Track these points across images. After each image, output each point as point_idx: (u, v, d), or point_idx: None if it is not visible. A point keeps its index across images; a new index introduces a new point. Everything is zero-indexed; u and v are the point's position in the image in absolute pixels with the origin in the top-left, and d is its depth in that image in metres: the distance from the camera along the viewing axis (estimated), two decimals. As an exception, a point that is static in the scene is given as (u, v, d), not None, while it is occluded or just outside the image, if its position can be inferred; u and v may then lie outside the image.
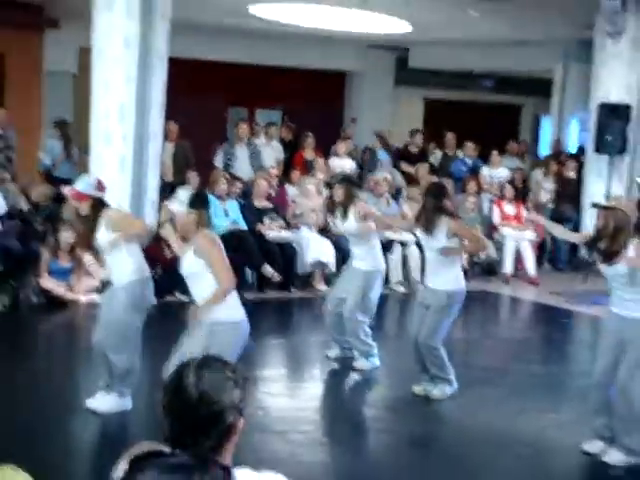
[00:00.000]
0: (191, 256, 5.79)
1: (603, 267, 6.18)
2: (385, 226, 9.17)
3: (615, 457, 6.12)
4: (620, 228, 6.01)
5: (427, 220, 7.24)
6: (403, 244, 11.89)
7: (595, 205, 6.58)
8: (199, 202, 6.04)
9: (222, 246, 5.94)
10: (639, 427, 5.99)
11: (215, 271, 5.72)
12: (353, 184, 8.58)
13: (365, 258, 8.19)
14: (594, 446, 6.24)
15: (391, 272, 11.49)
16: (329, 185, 12.55)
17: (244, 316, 5.87)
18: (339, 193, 8.26)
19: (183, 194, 6.16)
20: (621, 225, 6.02)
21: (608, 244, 6.06)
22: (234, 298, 5.90)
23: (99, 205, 6.53)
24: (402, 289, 11.79)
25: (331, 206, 8.47)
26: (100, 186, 6.63)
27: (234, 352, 5.68)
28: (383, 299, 8.82)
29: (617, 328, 6.16)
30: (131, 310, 6.50)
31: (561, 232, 7.53)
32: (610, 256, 6.04)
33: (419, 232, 7.42)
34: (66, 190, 6.85)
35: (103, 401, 6.58)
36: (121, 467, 1.89)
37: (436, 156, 16.06)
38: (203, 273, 5.75)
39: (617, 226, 6.02)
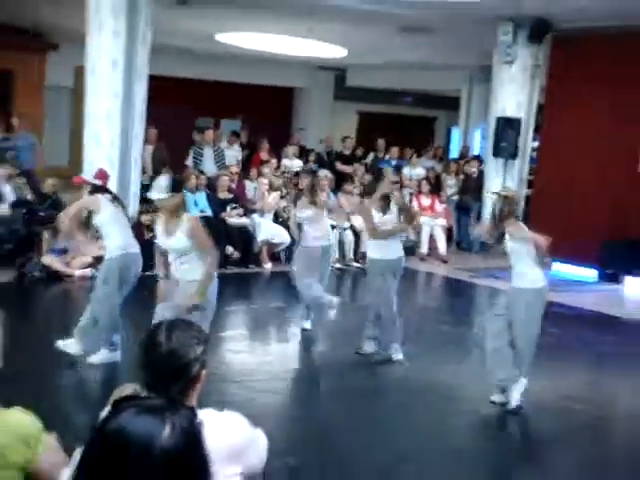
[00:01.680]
0: (182, 236, 5.61)
1: (509, 243, 6.12)
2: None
3: (498, 398, 6.16)
4: (512, 211, 6.05)
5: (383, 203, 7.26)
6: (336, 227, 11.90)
7: (494, 193, 6.56)
8: (179, 187, 5.92)
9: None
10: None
11: (205, 251, 5.60)
12: (316, 176, 8.47)
13: (320, 237, 8.05)
14: (499, 397, 6.19)
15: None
16: (285, 179, 12.60)
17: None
18: (305, 182, 8.10)
19: (163, 180, 5.99)
20: (512, 209, 6.06)
21: (503, 224, 6.06)
22: None
23: (96, 191, 6.48)
24: (338, 265, 11.80)
25: (297, 194, 8.23)
26: (100, 175, 6.58)
27: (212, 300, 5.66)
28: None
29: (508, 297, 6.21)
30: (117, 278, 6.44)
31: None
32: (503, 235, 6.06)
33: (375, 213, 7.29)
34: (74, 178, 6.85)
35: (102, 355, 6.56)
36: (106, 408, 1.91)
37: (370, 158, 16.15)
38: (190, 252, 5.63)
39: (510, 210, 6.04)
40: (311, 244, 7.99)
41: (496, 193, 6.35)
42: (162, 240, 5.81)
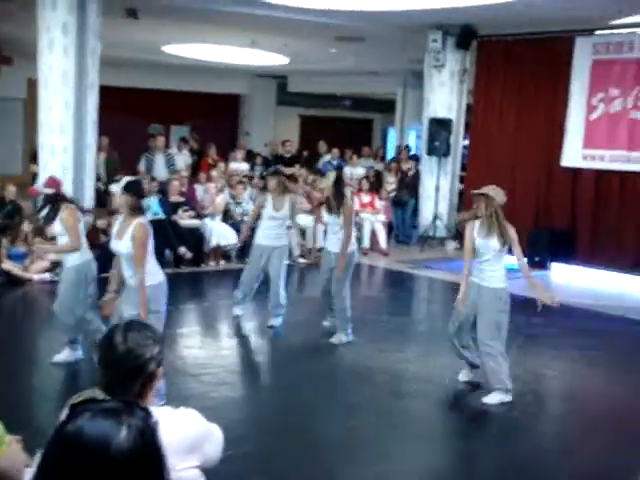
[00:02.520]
0: (128, 240, 5.41)
1: (480, 242, 5.90)
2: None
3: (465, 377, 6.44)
4: (493, 210, 5.83)
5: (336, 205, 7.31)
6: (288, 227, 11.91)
7: (473, 194, 6.10)
8: (131, 188, 5.66)
9: (151, 238, 5.53)
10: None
11: (135, 264, 5.41)
12: (284, 176, 8.34)
13: (284, 236, 8.07)
14: (463, 375, 6.45)
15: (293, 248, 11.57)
16: (229, 182, 12.51)
17: (164, 277, 5.62)
18: (272, 183, 7.93)
19: (123, 180, 5.82)
20: (493, 207, 5.83)
21: (483, 223, 5.86)
22: (155, 265, 5.64)
23: (52, 197, 6.36)
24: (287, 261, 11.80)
25: (262, 194, 8.07)
26: (51, 183, 6.45)
27: (163, 304, 5.56)
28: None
29: (475, 294, 5.99)
30: (78, 284, 6.35)
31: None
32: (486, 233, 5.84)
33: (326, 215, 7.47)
34: (30, 189, 6.73)
35: (65, 354, 6.48)
36: (64, 412, 1.88)
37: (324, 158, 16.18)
38: (127, 258, 5.48)
39: (490, 208, 5.84)
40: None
41: (475, 193, 6.00)
42: (113, 242, 5.65)
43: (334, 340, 7.48)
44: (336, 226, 7.38)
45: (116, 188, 5.68)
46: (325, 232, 8.13)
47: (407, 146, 17.17)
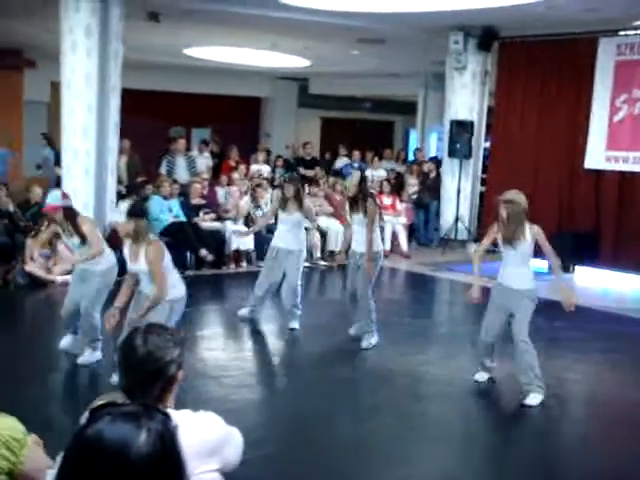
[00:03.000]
0: (143, 259, 5.65)
1: (505, 248, 5.99)
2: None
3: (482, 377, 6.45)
4: (516, 215, 5.88)
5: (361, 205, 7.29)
6: (307, 229, 11.90)
7: (498, 200, 6.07)
8: (135, 211, 5.83)
9: (167, 252, 5.78)
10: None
11: (155, 281, 5.61)
12: (300, 182, 8.33)
13: (300, 241, 8.04)
14: (480, 376, 6.45)
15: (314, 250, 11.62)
16: (255, 185, 12.52)
17: (184, 291, 5.85)
18: (289, 190, 7.92)
19: (123, 206, 5.95)
20: (517, 212, 5.89)
21: (508, 229, 5.92)
22: (176, 279, 5.84)
23: (68, 212, 6.44)
24: (307, 264, 11.80)
25: (283, 200, 8.00)
26: (65, 196, 6.57)
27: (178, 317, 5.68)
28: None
29: (504, 297, 6.07)
30: (103, 288, 6.47)
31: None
32: (510, 239, 5.91)
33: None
34: (44, 209, 6.79)
35: (87, 356, 6.54)
36: (84, 416, 1.89)
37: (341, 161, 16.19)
38: (149, 275, 5.69)
39: (514, 214, 5.88)
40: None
41: (500, 199, 6.03)
42: (129, 265, 5.83)
43: (364, 345, 7.38)
44: (360, 226, 7.37)
45: (119, 216, 5.71)
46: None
47: (420, 149, 17.07)
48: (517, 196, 5.98)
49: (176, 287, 5.77)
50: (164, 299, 5.62)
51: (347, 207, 7.51)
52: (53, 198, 6.45)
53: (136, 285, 5.90)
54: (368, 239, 7.28)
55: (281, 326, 8.18)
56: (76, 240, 6.42)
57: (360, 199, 7.32)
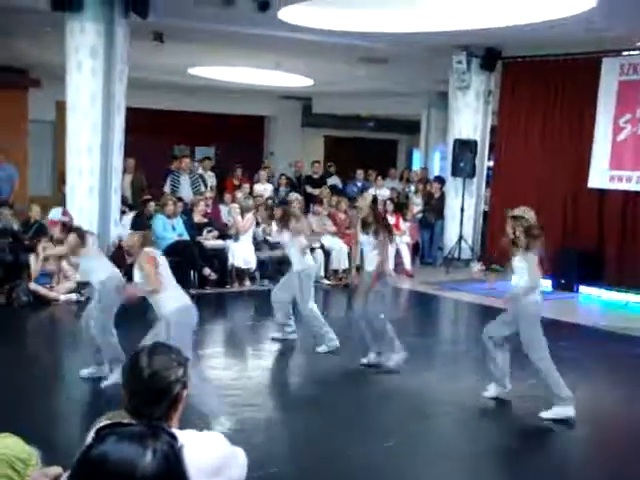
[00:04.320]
0: (138, 271, 5.80)
1: (515, 260, 6.13)
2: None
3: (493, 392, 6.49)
4: (526, 232, 6.02)
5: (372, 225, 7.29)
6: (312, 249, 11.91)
7: (507, 215, 6.28)
8: (138, 225, 6.04)
9: (161, 260, 5.86)
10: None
11: (149, 283, 5.70)
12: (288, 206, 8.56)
13: (299, 261, 8.01)
14: (490, 392, 6.50)
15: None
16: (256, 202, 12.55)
17: (190, 301, 5.83)
18: (278, 213, 8.16)
19: (126, 220, 6.14)
20: (527, 229, 6.03)
21: (517, 244, 6.05)
22: (175, 290, 5.84)
23: (66, 227, 6.57)
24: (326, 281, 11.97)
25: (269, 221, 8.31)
26: (65, 213, 6.75)
27: (189, 331, 5.67)
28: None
29: (513, 308, 6.21)
30: (106, 303, 6.49)
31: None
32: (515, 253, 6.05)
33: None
34: (49, 223, 6.97)
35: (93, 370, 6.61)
36: (90, 436, 1.89)
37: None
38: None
39: (525, 230, 6.03)
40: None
41: (509, 215, 6.21)
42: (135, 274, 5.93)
43: (391, 364, 7.30)
44: (370, 246, 7.36)
45: (122, 231, 5.87)
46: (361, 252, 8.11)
47: (425, 168, 17.11)
48: (526, 212, 6.11)
49: (176, 299, 5.74)
50: (160, 309, 5.65)
51: (359, 227, 7.49)
52: (54, 213, 6.74)
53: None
54: (380, 258, 7.26)
55: (287, 345, 8.17)
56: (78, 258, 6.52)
57: (372, 220, 7.33)
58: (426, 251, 14.41)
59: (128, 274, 6.97)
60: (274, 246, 10.47)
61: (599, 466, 5.51)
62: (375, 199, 7.67)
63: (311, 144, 20.89)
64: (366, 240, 7.37)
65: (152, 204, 11.46)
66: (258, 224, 11.83)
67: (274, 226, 8.45)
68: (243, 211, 12.04)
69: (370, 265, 7.38)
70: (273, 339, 8.32)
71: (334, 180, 16.38)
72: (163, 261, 5.89)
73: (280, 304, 8.19)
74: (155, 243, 6.17)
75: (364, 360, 7.51)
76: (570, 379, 7.22)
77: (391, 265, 12.82)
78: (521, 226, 6.02)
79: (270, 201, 12.28)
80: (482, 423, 6.22)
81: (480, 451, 5.65)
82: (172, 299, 5.70)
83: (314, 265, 8.60)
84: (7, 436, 2.32)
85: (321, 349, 7.91)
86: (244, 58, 13.81)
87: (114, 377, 6.40)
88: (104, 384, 6.46)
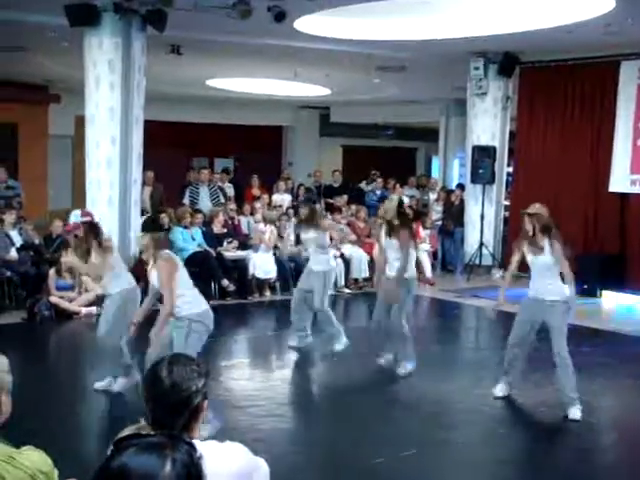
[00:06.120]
0: (155, 273, 5.72)
1: (531, 258, 6.12)
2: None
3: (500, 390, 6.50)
4: (544, 227, 6.05)
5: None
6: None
7: (522, 213, 6.35)
8: (150, 226, 5.98)
9: (178, 265, 5.80)
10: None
11: (164, 295, 5.66)
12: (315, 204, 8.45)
13: (322, 262, 8.03)
14: (499, 391, 6.53)
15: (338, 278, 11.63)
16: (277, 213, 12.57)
17: (207, 306, 5.80)
18: (304, 212, 8.09)
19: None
20: (545, 224, 6.06)
21: (536, 240, 6.06)
22: (194, 295, 5.80)
23: (90, 227, 6.51)
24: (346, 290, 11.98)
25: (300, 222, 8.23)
26: (84, 213, 6.64)
27: (204, 336, 5.65)
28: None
29: (535, 308, 6.18)
30: (121, 313, 6.45)
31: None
32: (537, 250, 6.05)
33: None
34: (66, 227, 6.88)
35: (119, 383, 6.59)
36: (110, 448, 1.90)
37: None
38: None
39: (542, 225, 6.05)
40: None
41: (524, 212, 6.26)
42: (150, 276, 5.88)
43: (400, 372, 7.30)
44: (395, 251, 7.28)
45: (136, 234, 5.80)
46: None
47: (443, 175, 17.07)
48: (541, 209, 6.14)
49: (192, 304, 5.71)
50: (177, 314, 5.61)
51: (383, 232, 7.39)
52: (74, 216, 6.57)
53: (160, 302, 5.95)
54: (401, 263, 7.20)
55: (308, 355, 8.15)
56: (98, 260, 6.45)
57: (397, 224, 7.24)
58: (446, 258, 14.35)
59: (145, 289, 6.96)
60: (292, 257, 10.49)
61: (627, 473, 5.44)
62: (401, 201, 7.57)
63: (329, 153, 20.92)
64: (391, 245, 7.29)
65: (165, 217, 11.32)
66: (282, 236, 11.84)
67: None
68: (267, 222, 12.05)
69: (393, 270, 7.31)
70: (290, 347, 8.29)
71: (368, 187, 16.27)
72: (181, 265, 5.88)
73: (297, 305, 8.18)
74: (170, 246, 6.09)
75: (380, 360, 7.57)
76: (595, 385, 7.17)
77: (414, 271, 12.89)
78: (538, 222, 6.05)
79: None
80: (504, 430, 6.16)
81: (503, 459, 5.60)
82: (190, 304, 5.69)
83: (334, 267, 8.58)
84: (32, 450, 2.32)
85: (338, 347, 7.92)
86: (261, 69, 13.87)
87: (122, 383, 6.49)
88: (95, 385, 6.55)
